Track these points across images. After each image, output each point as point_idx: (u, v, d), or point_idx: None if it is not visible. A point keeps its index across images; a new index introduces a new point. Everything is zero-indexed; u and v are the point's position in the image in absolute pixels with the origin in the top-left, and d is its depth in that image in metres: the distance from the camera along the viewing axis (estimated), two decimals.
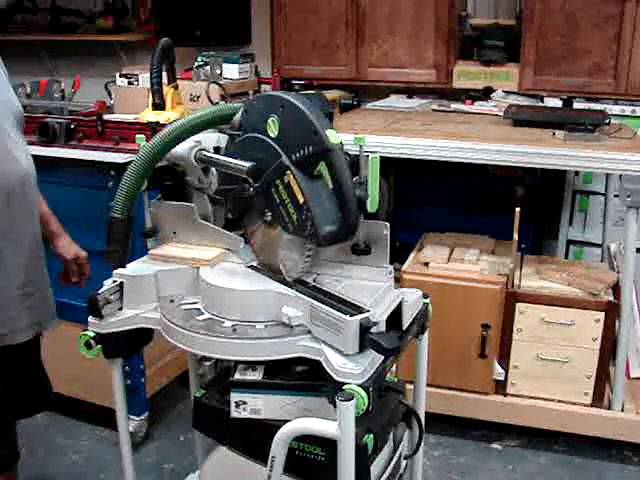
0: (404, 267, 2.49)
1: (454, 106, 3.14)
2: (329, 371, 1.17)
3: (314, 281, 1.32)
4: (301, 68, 3.62)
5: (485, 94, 3.31)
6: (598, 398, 2.37)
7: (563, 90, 3.22)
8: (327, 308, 1.19)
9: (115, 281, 1.35)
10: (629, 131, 2.57)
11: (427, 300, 1.47)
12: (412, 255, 2.58)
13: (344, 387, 1.13)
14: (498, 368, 2.42)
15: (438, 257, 2.49)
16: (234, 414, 1.30)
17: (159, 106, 2.39)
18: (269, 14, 3.69)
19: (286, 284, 1.29)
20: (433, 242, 2.64)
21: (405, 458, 1.52)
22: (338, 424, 1.14)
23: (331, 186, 1.21)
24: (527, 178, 3.11)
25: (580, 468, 2.38)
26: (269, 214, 1.30)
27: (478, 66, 3.39)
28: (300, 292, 1.26)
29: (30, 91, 3.59)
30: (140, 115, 2.48)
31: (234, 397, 1.29)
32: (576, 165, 2.35)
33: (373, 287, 1.33)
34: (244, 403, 1.29)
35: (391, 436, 1.44)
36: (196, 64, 3.46)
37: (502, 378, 2.43)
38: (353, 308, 1.20)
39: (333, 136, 1.19)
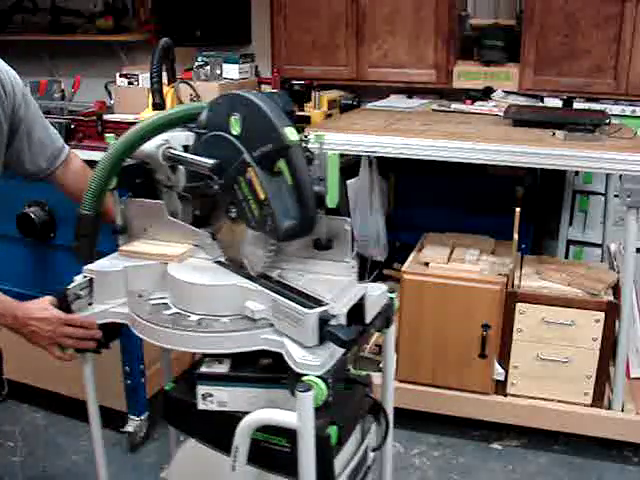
0: (404, 267, 2.49)
1: (454, 106, 3.14)
2: (289, 363, 1.20)
3: (278, 276, 1.35)
4: (301, 68, 3.62)
5: (485, 94, 3.32)
6: (598, 398, 2.37)
7: (563, 90, 3.22)
8: (288, 302, 1.22)
9: (85, 277, 1.37)
10: (629, 131, 2.57)
11: (393, 295, 1.48)
12: (412, 255, 2.58)
13: (303, 378, 1.15)
14: (498, 368, 2.42)
15: (438, 257, 2.49)
16: (201, 406, 1.33)
17: (159, 106, 2.39)
18: (269, 14, 3.69)
19: (250, 279, 1.32)
20: (433, 242, 2.64)
21: (373, 450, 1.55)
22: (297, 415, 1.16)
23: (290, 182, 1.23)
24: (527, 178, 3.11)
25: (580, 468, 2.38)
26: (234, 210, 1.32)
27: (478, 66, 3.40)
28: (263, 286, 1.29)
29: (30, 91, 3.59)
30: (140, 115, 2.48)
31: (200, 389, 1.32)
32: (576, 165, 2.35)
33: (335, 281, 1.35)
34: (210, 395, 1.31)
35: (358, 429, 1.46)
36: (196, 64, 3.46)
37: (502, 378, 2.43)
38: (313, 301, 1.23)
39: (292, 134, 1.21)
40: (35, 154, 1.64)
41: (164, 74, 2.41)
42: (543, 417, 2.41)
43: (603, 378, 2.36)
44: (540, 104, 3.27)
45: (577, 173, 3.28)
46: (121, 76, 3.32)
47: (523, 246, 2.64)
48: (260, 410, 1.22)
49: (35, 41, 4.21)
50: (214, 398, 1.31)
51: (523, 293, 2.37)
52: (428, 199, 3.23)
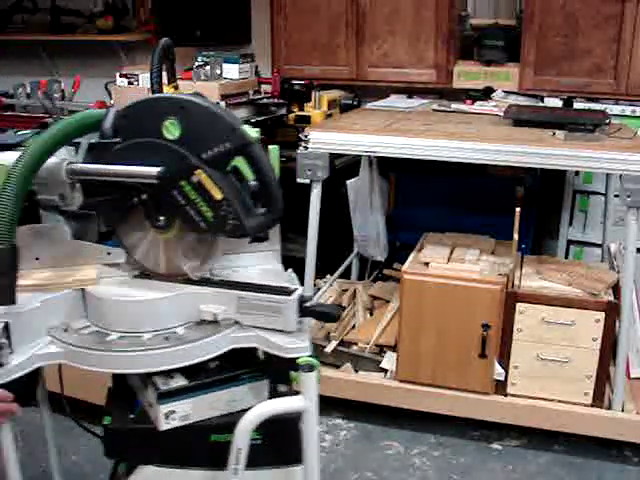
0: (404, 267, 2.49)
1: (454, 106, 3.14)
2: (274, 352, 1.20)
3: (212, 275, 1.34)
4: (301, 68, 3.63)
5: (485, 94, 3.32)
6: (598, 398, 2.37)
7: (563, 90, 3.22)
8: (260, 295, 1.23)
9: None
10: (629, 131, 2.57)
11: None
12: (412, 255, 2.58)
13: (299, 361, 1.18)
14: (498, 368, 2.42)
15: (438, 257, 2.49)
16: (164, 426, 1.26)
17: None
18: (269, 14, 3.69)
19: (192, 283, 1.29)
20: (433, 242, 2.64)
21: None
22: (304, 395, 1.19)
23: (252, 177, 1.22)
24: (527, 178, 3.11)
25: (580, 468, 2.38)
26: (161, 219, 1.27)
27: (478, 66, 3.40)
28: (219, 287, 1.27)
29: (30, 91, 3.59)
30: None
31: (163, 409, 1.25)
32: (576, 165, 2.35)
33: (274, 270, 1.38)
34: (173, 412, 1.27)
35: None
36: (196, 64, 3.46)
37: (502, 378, 2.43)
38: (279, 289, 1.25)
39: (251, 131, 1.22)
40: None
41: (164, 74, 2.41)
42: (543, 417, 2.41)
43: (603, 378, 2.36)
44: (540, 104, 3.27)
45: (577, 173, 3.28)
46: (121, 76, 3.33)
47: (523, 246, 2.63)
48: (260, 404, 1.21)
49: (35, 41, 4.22)
50: (177, 414, 1.27)
51: (523, 293, 2.37)
52: (428, 199, 3.23)
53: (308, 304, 1.23)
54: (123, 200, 1.27)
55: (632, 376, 2.55)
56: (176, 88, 2.58)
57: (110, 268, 1.34)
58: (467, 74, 3.40)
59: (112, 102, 3.44)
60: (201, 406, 1.28)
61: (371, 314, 2.93)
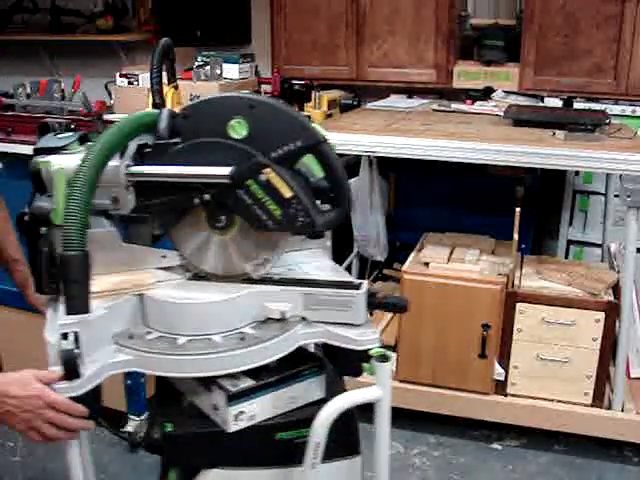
0: (404, 267, 2.49)
1: (454, 106, 3.14)
2: (346, 345, 1.22)
3: (269, 274, 1.32)
4: (301, 68, 3.62)
5: (485, 94, 3.32)
6: (598, 398, 2.38)
7: (563, 90, 3.22)
8: (329, 290, 1.24)
9: (66, 333, 1.13)
10: (629, 131, 2.57)
11: None
12: (412, 255, 2.58)
13: (372, 352, 1.20)
14: (498, 368, 2.42)
15: (438, 257, 2.49)
16: (233, 428, 1.25)
17: (159, 106, 2.38)
18: (269, 14, 3.69)
19: (253, 282, 1.28)
20: (433, 242, 2.64)
21: None
22: (379, 386, 1.21)
23: (320, 175, 1.24)
24: (527, 178, 3.12)
25: (580, 468, 2.39)
26: (222, 219, 1.25)
27: (478, 66, 3.40)
28: (284, 285, 1.27)
29: (30, 91, 3.59)
30: None
31: (232, 410, 1.24)
32: (576, 165, 2.35)
33: (330, 266, 1.38)
34: (242, 413, 1.25)
35: None
36: (196, 64, 3.46)
37: (502, 378, 2.43)
38: (346, 284, 1.26)
39: (320, 129, 1.23)
40: None
41: (164, 74, 2.42)
42: (543, 417, 2.41)
43: (603, 378, 2.36)
44: (540, 104, 3.27)
45: (577, 173, 3.28)
46: (121, 76, 3.33)
47: (523, 246, 2.64)
48: (338, 397, 1.20)
49: (35, 41, 4.22)
50: (245, 415, 1.25)
51: (523, 293, 2.37)
52: (428, 199, 3.23)
53: (376, 297, 1.26)
54: (183, 201, 1.24)
55: (632, 376, 2.55)
56: (176, 88, 2.58)
57: (164, 272, 1.31)
58: (467, 74, 3.40)
59: (112, 102, 3.45)
60: (266, 405, 1.28)
61: (371, 314, 2.92)
